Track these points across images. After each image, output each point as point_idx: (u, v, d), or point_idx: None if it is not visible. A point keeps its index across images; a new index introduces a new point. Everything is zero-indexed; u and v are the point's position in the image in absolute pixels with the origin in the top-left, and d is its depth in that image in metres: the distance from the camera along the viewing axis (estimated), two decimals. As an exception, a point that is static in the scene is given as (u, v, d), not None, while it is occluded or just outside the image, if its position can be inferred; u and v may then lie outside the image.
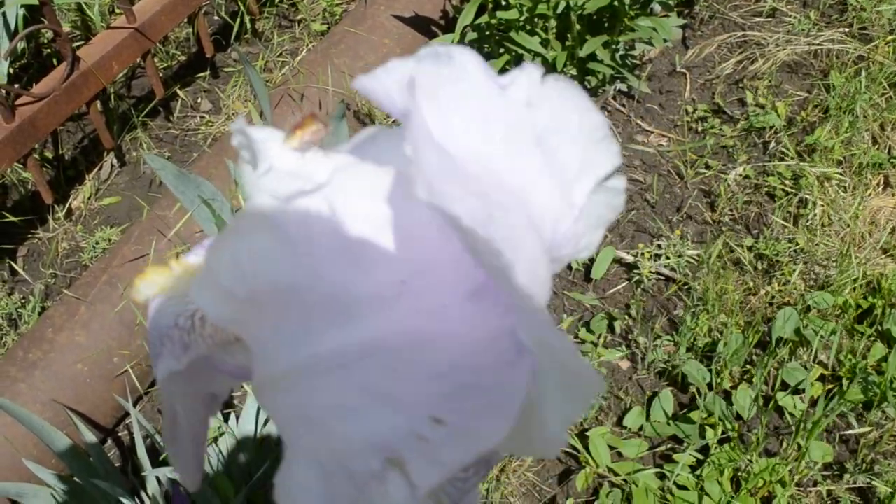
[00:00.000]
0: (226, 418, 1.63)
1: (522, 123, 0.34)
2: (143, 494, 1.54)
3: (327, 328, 0.34)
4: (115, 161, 2.31)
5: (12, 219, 2.15)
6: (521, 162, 0.34)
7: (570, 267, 2.04)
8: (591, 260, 2.04)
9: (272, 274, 0.34)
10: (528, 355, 0.34)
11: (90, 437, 1.59)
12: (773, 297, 1.99)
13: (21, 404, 1.64)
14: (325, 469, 0.33)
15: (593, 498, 1.72)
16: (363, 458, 0.33)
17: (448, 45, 0.34)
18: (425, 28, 2.35)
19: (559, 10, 2.04)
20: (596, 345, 1.91)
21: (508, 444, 0.35)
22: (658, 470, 1.74)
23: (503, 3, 2.11)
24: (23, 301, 2.03)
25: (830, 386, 1.84)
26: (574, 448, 1.77)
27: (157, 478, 1.53)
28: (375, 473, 0.33)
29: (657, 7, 2.33)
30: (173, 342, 0.42)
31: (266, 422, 1.66)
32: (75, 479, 1.54)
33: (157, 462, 1.63)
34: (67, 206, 2.20)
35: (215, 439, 1.59)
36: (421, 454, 0.33)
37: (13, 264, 2.10)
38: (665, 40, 2.20)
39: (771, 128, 2.34)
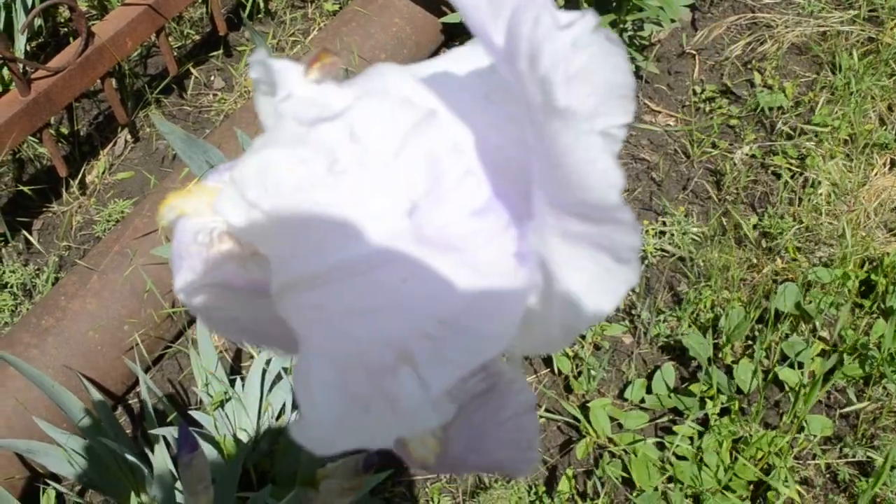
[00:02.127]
0: (232, 384, 1.67)
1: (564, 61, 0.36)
2: (150, 457, 1.58)
3: (344, 241, 0.37)
4: (128, 137, 2.35)
5: (27, 190, 2.19)
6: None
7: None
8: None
9: (295, 189, 0.38)
10: (530, 267, 0.37)
11: (100, 399, 1.63)
12: (776, 274, 2.01)
13: (34, 369, 1.68)
14: (340, 363, 0.36)
15: (593, 468, 1.75)
16: (376, 353, 0.36)
17: None
18: (435, 7, 2.37)
19: (566, -12, 2.06)
20: (599, 319, 1.93)
21: (511, 347, 0.38)
22: (658, 441, 1.76)
23: (511, -19, 2.13)
24: (37, 272, 2.08)
25: (831, 362, 1.85)
26: (575, 419, 1.79)
27: (166, 439, 1.57)
28: (388, 367, 0.36)
29: (665, -13, 2.34)
30: (192, 257, 0.45)
31: (271, 388, 1.69)
32: (86, 439, 1.58)
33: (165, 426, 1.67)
34: (81, 180, 2.25)
35: (222, 404, 1.63)
36: (428, 352, 0.36)
37: (28, 236, 2.14)
38: (673, 21, 2.21)
39: (778, 108, 2.35)
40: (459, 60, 0.44)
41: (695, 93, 2.41)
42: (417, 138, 0.39)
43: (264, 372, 1.67)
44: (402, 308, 0.36)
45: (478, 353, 0.36)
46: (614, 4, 2.19)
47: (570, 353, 1.89)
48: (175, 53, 2.44)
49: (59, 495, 1.71)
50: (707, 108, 2.38)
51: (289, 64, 0.41)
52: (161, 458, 1.42)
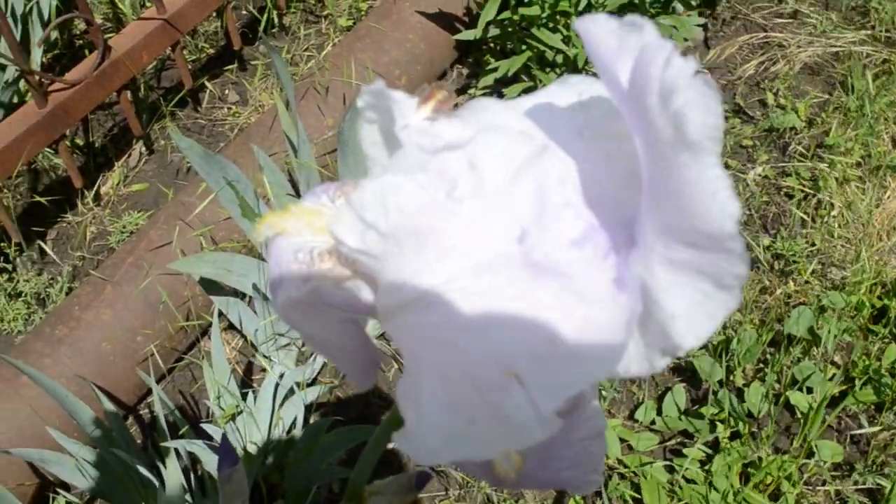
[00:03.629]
0: (244, 397, 1.67)
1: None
2: (161, 468, 1.58)
3: (459, 262, 0.39)
4: (143, 149, 2.37)
5: (42, 200, 2.21)
6: None
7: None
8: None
9: (415, 212, 0.40)
10: (631, 293, 0.39)
11: (112, 410, 1.64)
12: (788, 297, 2.01)
13: (46, 379, 1.68)
14: (449, 379, 0.38)
15: (602, 489, 1.74)
16: (485, 370, 0.37)
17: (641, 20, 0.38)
18: (449, 24, 2.38)
19: (581, 7, 2.07)
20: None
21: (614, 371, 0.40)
22: (667, 463, 1.76)
23: None
24: (51, 281, 2.09)
25: (843, 387, 1.85)
26: (585, 438, 1.79)
27: (177, 451, 1.57)
28: (497, 384, 0.37)
29: (679, 7, 2.35)
30: (292, 274, 0.46)
31: (283, 402, 1.70)
32: (97, 449, 1.58)
33: (177, 438, 1.67)
34: (96, 191, 2.26)
35: (233, 417, 1.64)
36: (537, 371, 0.37)
37: (43, 245, 2.15)
38: (685, 40, 2.22)
39: (791, 129, 2.35)
40: (552, 98, 0.46)
41: (707, 113, 2.41)
42: (530, 169, 0.41)
43: (277, 386, 1.67)
44: (512, 328, 0.38)
45: (585, 375, 0.38)
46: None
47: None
48: (190, 67, 2.46)
49: (69, 504, 1.71)
50: (720, 129, 2.39)
51: (405, 95, 0.43)
52: (173, 471, 1.42)
